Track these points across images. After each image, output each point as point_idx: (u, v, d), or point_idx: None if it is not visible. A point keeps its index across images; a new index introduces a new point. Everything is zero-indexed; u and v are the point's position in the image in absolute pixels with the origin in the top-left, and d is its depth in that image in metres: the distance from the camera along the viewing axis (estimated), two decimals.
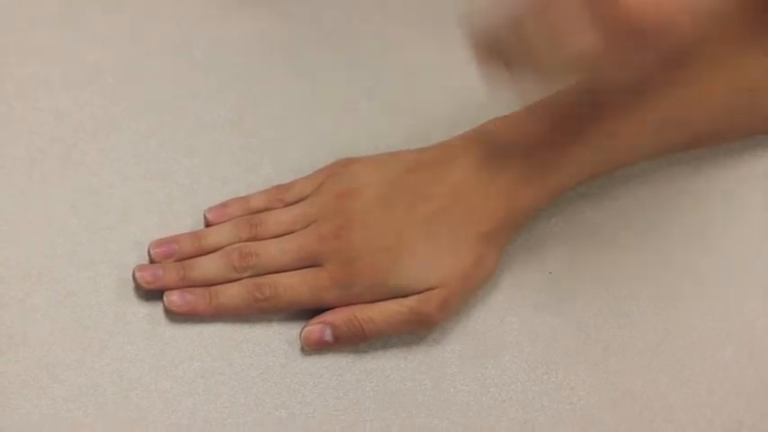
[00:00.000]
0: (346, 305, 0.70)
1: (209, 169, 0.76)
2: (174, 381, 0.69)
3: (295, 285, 0.70)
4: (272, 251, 0.71)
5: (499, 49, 0.63)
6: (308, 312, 0.71)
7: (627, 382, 0.73)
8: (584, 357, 0.73)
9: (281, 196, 0.74)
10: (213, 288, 0.70)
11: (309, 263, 0.71)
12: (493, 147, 0.71)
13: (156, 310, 0.70)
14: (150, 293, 0.70)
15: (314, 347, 0.70)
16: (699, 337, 0.74)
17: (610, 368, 0.73)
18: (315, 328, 0.70)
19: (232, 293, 0.70)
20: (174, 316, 0.70)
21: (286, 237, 0.71)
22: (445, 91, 0.81)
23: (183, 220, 0.73)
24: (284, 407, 0.69)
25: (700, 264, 0.76)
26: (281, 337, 0.71)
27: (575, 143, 0.71)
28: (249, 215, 0.73)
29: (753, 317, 0.75)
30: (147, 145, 0.76)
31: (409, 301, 0.70)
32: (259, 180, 0.75)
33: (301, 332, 0.70)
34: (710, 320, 0.75)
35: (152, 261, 0.71)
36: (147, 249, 0.71)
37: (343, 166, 0.74)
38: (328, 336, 0.70)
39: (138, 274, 0.70)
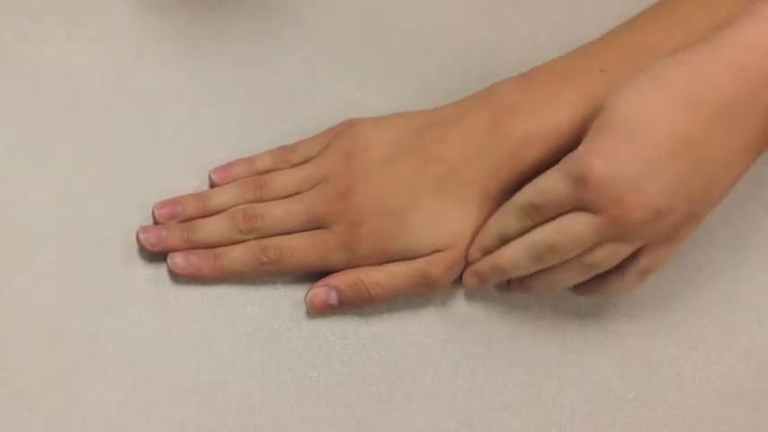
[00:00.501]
0: (352, 267, 0.70)
1: (214, 130, 0.74)
2: (177, 343, 0.68)
3: (301, 248, 0.69)
4: (278, 213, 0.70)
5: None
6: (314, 275, 0.70)
7: (635, 345, 0.72)
8: (592, 320, 0.72)
9: (286, 157, 0.73)
10: (217, 250, 0.70)
11: (315, 225, 0.70)
12: (502, 107, 0.70)
13: (161, 272, 0.70)
14: (154, 255, 0.70)
15: (319, 311, 0.70)
16: (709, 300, 0.74)
17: (618, 330, 0.72)
18: (320, 290, 0.69)
19: (237, 256, 0.69)
20: (178, 278, 0.70)
21: (292, 198, 0.71)
22: (453, 51, 0.80)
23: (188, 181, 0.72)
24: (289, 370, 0.69)
25: (710, 224, 0.75)
26: (285, 299, 0.70)
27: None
28: (255, 176, 0.72)
29: (764, 279, 0.74)
30: (153, 105, 0.75)
31: (416, 264, 0.69)
32: (264, 141, 0.74)
33: (306, 295, 0.70)
34: (720, 283, 0.74)
35: (156, 222, 0.70)
36: (151, 210, 0.71)
37: (349, 126, 0.73)
38: (333, 299, 0.69)
39: (142, 236, 0.69)
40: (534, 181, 0.66)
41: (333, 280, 0.69)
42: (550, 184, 0.65)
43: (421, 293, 0.70)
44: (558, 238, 0.65)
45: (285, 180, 0.71)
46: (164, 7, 0.78)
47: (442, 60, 0.79)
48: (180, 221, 0.70)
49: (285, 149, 0.73)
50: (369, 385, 0.69)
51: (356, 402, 0.69)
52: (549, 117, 0.69)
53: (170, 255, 0.69)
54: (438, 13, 0.81)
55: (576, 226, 0.64)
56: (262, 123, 0.75)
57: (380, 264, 0.69)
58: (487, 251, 0.69)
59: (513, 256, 0.67)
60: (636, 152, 0.62)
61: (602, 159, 0.62)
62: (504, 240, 0.68)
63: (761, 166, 0.68)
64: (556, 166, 0.65)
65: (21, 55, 0.75)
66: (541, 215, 0.66)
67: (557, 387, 0.70)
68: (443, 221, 0.69)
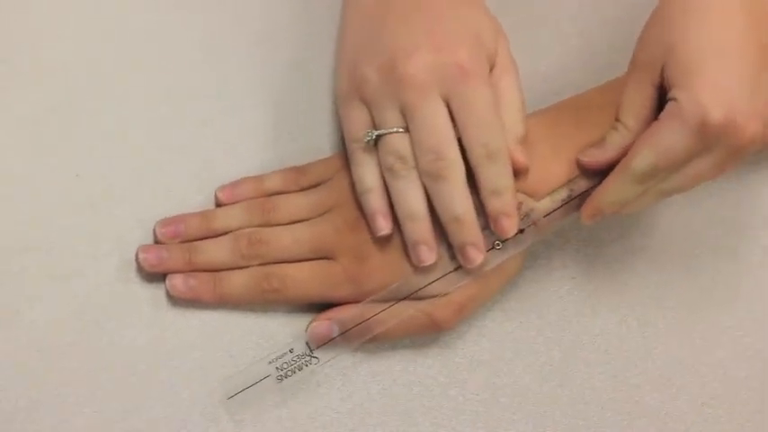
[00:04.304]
0: (357, 302, 0.67)
1: (223, 143, 0.71)
2: (171, 370, 0.66)
3: (305, 279, 0.67)
4: (284, 240, 0.67)
5: None
6: (316, 305, 0.68)
7: (645, 398, 0.70)
8: (602, 369, 0.70)
9: (297, 179, 0.69)
10: (218, 275, 0.67)
11: (322, 255, 0.67)
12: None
13: (158, 293, 0.67)
14: (153, 274, 0.67)
15: (320, 344, 0.67)
16: (725, 355, 0.71)
17: (629, 382, 0.70)
18: (322, 324, 0.67)
19: (238, 282, 0.67)
20: (176, 300, 0.67)
21: (299, 225, 0.68)
22: None
23: (193, 197, 0.69)
24: (285, 406, 0.66)
25: (729, 271, 0.72)
26: (285, 329, 0.68)
27: None
28: (262, 198, 0.69)
29: None
30: (159, 112, 0.71)
31: (424, 305, 0.66)
32: (277, 157, 0.71)
33: (308, 327, 0.67)
34: (741, 337, 0.71)
35: (157, 241, 0.68)
36: (152, 227, 0.67)
37: None
38: (336, 333, 0.66)
39: (141, 256, 0.67)
40: (652, 143, 0.62)
41: (336, 314, 0.67)
42: (673, 142, 0.62)
43: (426, 334, 0.68)
44: (687, 184, 0.64)
45: (294, 204, 0.68)
46: (177, 8, 0.74)
47: None
48: (182, 241, 0.67)
49: (297, 170, 0.70)
50: (366, 426, 0.67)
51: None
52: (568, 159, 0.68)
53: (169, 276, 0.67)
54: None
55: (703, 171, 0.63)
56: (276, 138, 0.71)
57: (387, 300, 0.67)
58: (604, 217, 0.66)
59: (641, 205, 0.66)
60: (736, 74, 0.61)
61: (712, 96, 0.61)
62: (624, 205, 0.65)
63: None
64: (666, 123, 0.62)
65: (18, 51, 0.71)
66: (665, 172, 0.63)
67: None
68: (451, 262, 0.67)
